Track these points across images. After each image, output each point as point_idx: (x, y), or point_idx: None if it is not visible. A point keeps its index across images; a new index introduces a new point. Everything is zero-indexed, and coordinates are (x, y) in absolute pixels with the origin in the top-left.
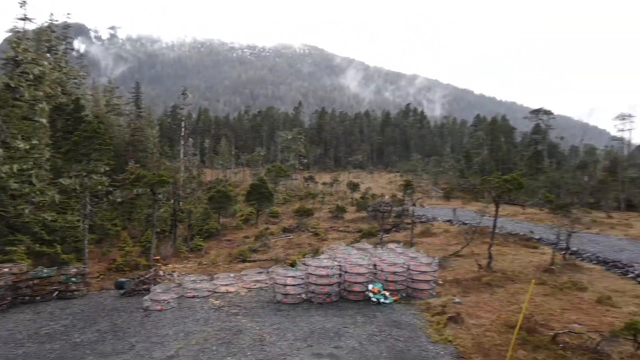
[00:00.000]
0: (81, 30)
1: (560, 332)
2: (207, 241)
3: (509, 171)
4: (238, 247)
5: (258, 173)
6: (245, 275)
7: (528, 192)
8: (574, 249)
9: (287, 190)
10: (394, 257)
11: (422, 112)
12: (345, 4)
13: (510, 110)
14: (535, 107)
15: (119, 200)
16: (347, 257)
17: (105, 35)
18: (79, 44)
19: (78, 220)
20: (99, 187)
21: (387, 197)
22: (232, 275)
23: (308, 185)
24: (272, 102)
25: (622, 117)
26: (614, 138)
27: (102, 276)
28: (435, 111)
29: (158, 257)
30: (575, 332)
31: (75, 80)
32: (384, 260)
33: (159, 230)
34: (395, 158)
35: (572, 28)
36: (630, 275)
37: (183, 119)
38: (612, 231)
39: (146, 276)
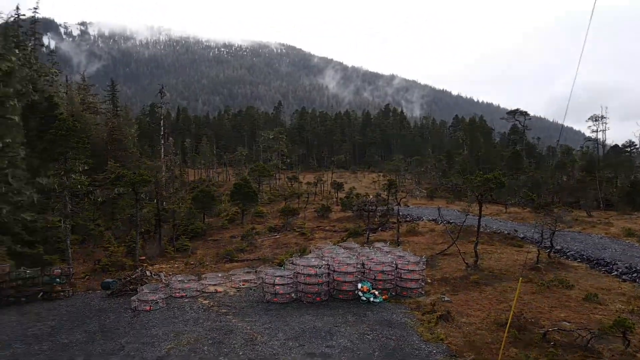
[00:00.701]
0: (50, 26)
1: (550, 329)
2: (193, 241)
3: (489, 171)
4: (225, 247)
5: (241, 173)
6: (234, 275)
7: (510, 192)
8: (558, 247)
9: (271, 190)
10: (381, 256)
11: (402, 112)
12: (320, 4)
13: (487, 111)
14: (512, 108)
15: (100, 199)
16: (334, 257)
17: (75, 31)
18: (48, 40)
19: (59, 221)
20: (79, 186)
21: (371, 196)
22: (220, 275)
23: (292, 185)
24: (252, 101)
25: (595, 118)
26: (588, 139)
27: (87, 277)
28: (414, 112)
29: (144, 258)
30: (564, 330)
31: (47, 78)
32: (371, 259)
33: (143, 230)
34: (377, 158)
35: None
36: (614, 273)
37: (162, 117)
38: (593, 230)
39: (133, 276)
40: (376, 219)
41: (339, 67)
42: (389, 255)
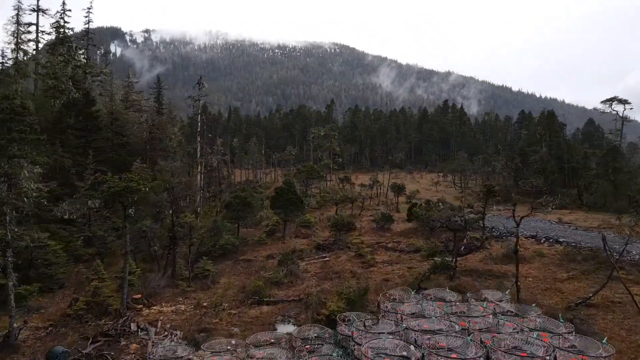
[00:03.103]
0: (117, 34)
1: None
2: (220, 261)
3: (575, 172)
4: (257, 274)
5: (290, 173)
6: (253, 347)
7: (612, 195)
8: None
9: (321, 192)
10: (512, 331)
11: (462, 107)
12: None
13: (552, 106)
14: (581, 104)
15: (66, 216)
16: (422, 323)
17: (140, 38)
18: (115, 47)
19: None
20: (25, 198)
21: (441, 204)
22: (233, 342)
23: (344, 186)
24: (304, 101)
25: None
26: None
27: (51, 328)
28: (471, 108)
29: (140, 295)
30: None
31: (98, 77)
32: (496, 337)
33: (156, 248)
34: (435, 156)
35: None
36: None
37: (199, 112)
38: None
39: (108, 331)
40: (466, 239)
41: (393, 65)
42: (535, 338)
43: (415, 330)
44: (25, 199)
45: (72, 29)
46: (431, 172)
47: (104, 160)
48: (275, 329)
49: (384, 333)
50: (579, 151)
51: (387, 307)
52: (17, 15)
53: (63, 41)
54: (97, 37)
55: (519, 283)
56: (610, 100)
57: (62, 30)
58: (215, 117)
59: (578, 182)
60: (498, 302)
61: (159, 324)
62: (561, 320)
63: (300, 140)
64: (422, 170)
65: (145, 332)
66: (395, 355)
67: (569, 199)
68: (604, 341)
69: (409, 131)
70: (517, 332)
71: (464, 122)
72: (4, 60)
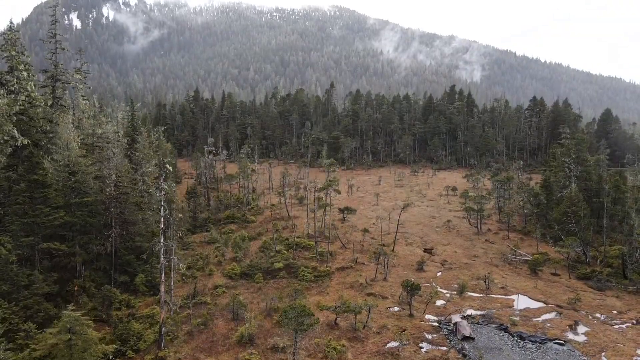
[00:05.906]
0: None
1: None
2: None
3: (608, 211)
4: None
5: (286, 171)
6: None
7: None
8: None
9: (316, 234)
10: None
11: (469, 95)
12: None
13: (556, 72)
14: (586, 68)
15: None
16: None
17: (133, 0)
18: (107, 11)
19: None
20: None
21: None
22: None
23: (344, 218)
24: (303, 69)
25: None
26: None
27: None
28: (474, 74)
29: None
30: None
31: (69, 85)
32: None
33: None
34: (441, 152)
35: None
36: None
37: (162, 204)
38: None
39: None
40: None
41: (395, 29)
42: None
43: None
44: None
45: (23, 52)
46: (439, 170)
47: (60, 225)
48: None
49: None
50: (609, 180)
51: None
52: None
53: (12, 69)
54: (89, 1)
55: None
56: None
57: (10, 56)
58: (207, 102)
59: (622, 249)
60: None
61: None
62: None
63: (298, 129)
64: (426, 167)
65: None
66: None
67: (610, 268)
68: None
69: (413, 121)
70: None
71: (471, 111)
72: None
